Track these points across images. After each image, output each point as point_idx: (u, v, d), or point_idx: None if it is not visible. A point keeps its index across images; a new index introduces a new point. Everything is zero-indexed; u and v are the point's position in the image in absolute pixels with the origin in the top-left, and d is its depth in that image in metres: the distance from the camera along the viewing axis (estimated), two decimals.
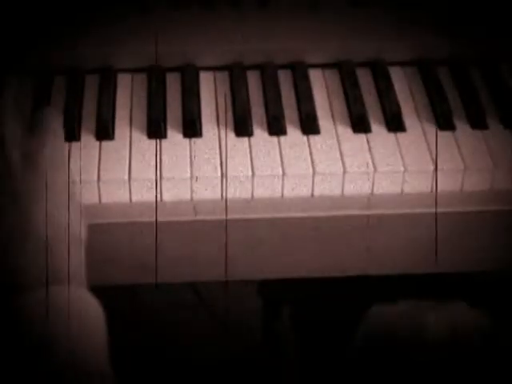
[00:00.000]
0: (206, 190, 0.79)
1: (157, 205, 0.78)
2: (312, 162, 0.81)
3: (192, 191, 0.79)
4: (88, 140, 0.83)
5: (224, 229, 0.79)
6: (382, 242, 0.81)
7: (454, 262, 0.82)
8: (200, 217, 0.78)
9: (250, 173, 0.79)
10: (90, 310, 0.68)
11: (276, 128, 0.84)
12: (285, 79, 0.90)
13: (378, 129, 0.85)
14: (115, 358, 0.67)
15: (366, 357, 0.66)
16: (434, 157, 0.81)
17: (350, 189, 0.80)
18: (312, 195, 0.81)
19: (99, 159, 0.81)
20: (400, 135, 0.84)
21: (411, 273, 0.80)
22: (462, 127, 0.85)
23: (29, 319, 0.66)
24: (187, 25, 0.91)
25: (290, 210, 0.78)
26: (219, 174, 0.79)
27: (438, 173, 0.80)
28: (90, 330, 0.67)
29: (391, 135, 0.84)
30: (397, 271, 0.84)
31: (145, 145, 0.82)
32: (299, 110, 0.86)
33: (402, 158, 0.81)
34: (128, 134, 0.83)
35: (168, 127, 0.84)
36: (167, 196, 0.80)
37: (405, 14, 0.92)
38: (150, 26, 0.90)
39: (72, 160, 0.79)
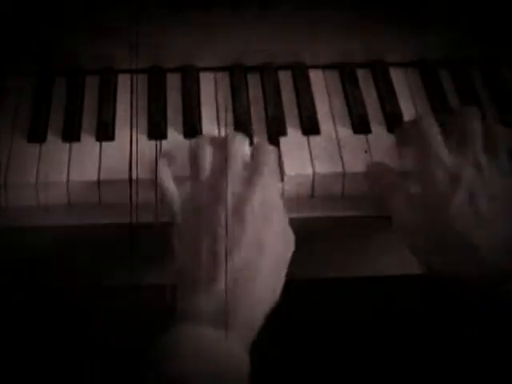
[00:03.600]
0: None
1: (157, 205, 0.78)
2: (312, 162, 0.81)
3: None
4: (88, 141, 0.83)
5: None
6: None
7: None
8: None
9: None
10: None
11: (276, 129, 0.84)
12: (285, 80, 0.90)
13: (378, 130, 0.85)
14: None
15: None
16: None
17: (350, 189, 0.81)
18: (312, 196, 0.81)
19: (100, 160, 0.80)
20: None
21: (412, 273, 0.80)
22: None
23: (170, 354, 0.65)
24: (187, 25, 0.91)
25: (290, 211, 0.78)
26: None
27: None
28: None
29: (392, 136, 0.84)
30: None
31: (145, 145, 0.82)
32: (299, 110, 0.87)
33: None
34: (128, 134, 0.83)
35: (168, 128, 0.84)
36: None
37: (405, 14, 0.92)
38: (151, 26, 0.90)
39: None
